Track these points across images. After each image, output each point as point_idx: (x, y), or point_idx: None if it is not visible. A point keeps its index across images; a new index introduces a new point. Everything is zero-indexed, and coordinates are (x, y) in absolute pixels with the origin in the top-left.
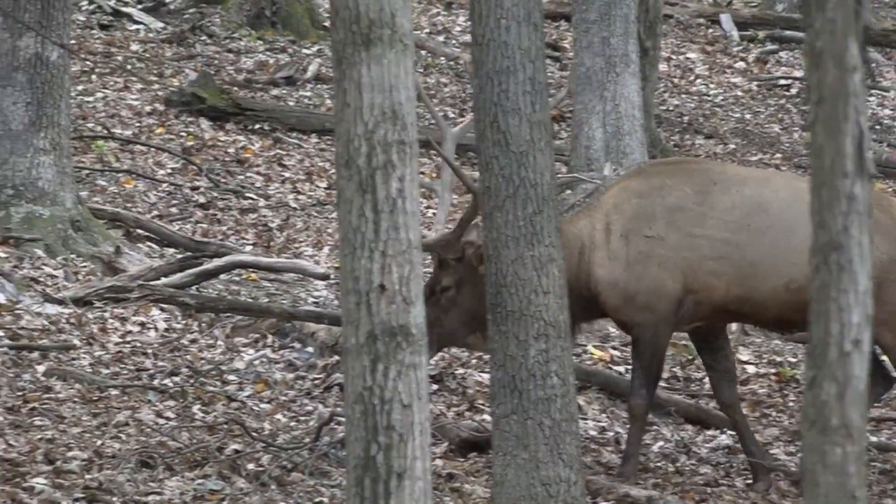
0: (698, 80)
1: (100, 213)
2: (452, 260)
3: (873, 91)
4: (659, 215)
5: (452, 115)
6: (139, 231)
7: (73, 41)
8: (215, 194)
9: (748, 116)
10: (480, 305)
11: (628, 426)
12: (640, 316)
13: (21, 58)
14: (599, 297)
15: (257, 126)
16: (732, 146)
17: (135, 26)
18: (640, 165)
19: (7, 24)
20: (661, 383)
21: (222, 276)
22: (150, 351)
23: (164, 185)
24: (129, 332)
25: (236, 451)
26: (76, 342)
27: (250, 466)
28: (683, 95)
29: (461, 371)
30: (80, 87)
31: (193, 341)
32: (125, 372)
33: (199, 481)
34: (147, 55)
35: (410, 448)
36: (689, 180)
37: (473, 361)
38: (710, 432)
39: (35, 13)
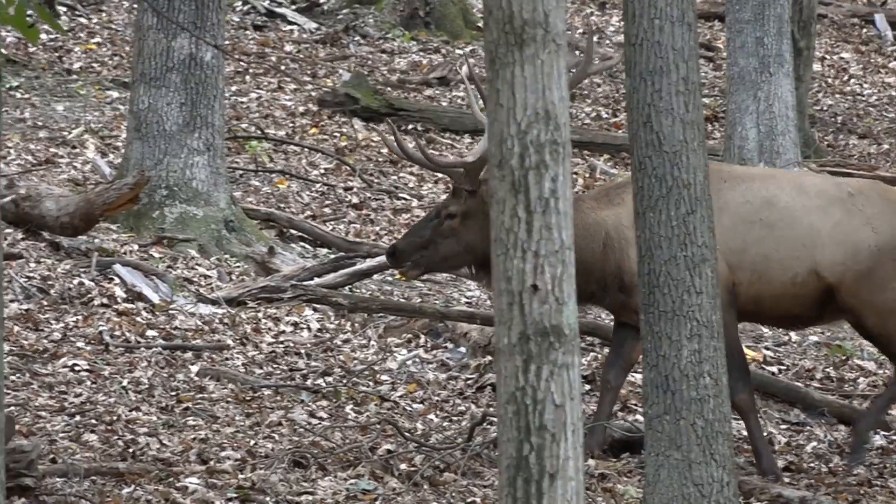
0: (852, 80)
1: (253, 214)
2: (466, 190)
3: None
4: None
5: (605, 116)
6: (292, 231)
7: (226, 42)
8: (368, 194)
9: None
10: (479, 241)
11: (744, 424)
12: None
13: (175, 58)
14: (636, 290)
15: (410, 126)
16: (886, 146)
17: (288, 27)
18: None
19: (161, 25)
20: (814, 383)
21: (375, 277)
22: (303, 351)
23: (318, 185)
24: (283, 332)
25: (389, 451)
26: (229, 342)
27: (403, 466)
28: (837, 95)
29: None
30: (233, 88)
31: (346, 341)
32: (278, 372)
33: (352, 481)
34: (301, 56)
35: (563, 448)
36: None
37: None
38: None
39: (189, 14)
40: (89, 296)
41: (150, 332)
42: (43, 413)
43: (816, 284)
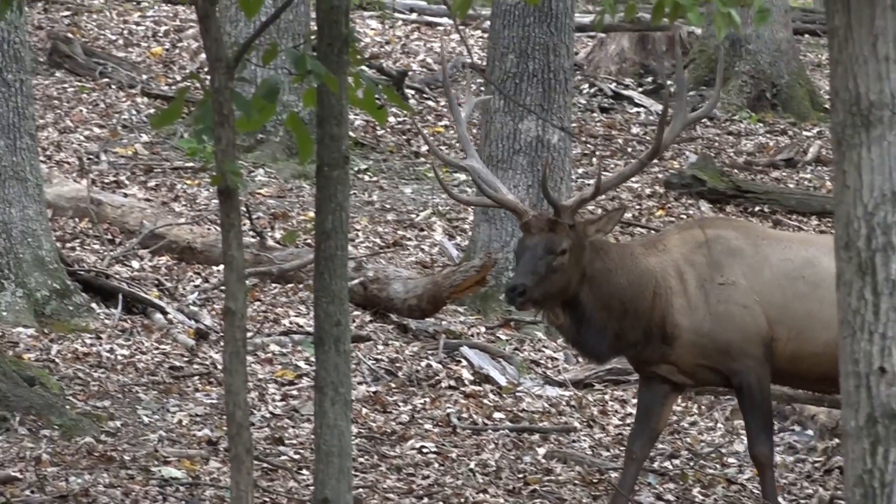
0: None
1: None
2: (568, 225)
3: None
4: (725, 263)
5: None
6: None
7: (573, 124)
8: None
9: None
10: (577, 276)
11: (759, 478)
12: (737, 363)
13: (522, 140)
14: (676, 342)
15: (757, 208)
16: None
17: (635, 109)
18: (692, 219)
19: (508, 108)
20: None
21: None
22: None
23: None
24: (629, 414)
25: None
26: (576, 424)
27: None
28: None
29: None
30: (580, 171)
31: (693, 424)
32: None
33: None
34: (648, 138)
35: None
36: (740, 233)
37: None
38: None
39: (536, 97)
40: (437, 378)
41: (497, 415)
42: (391, 495)
43: None
